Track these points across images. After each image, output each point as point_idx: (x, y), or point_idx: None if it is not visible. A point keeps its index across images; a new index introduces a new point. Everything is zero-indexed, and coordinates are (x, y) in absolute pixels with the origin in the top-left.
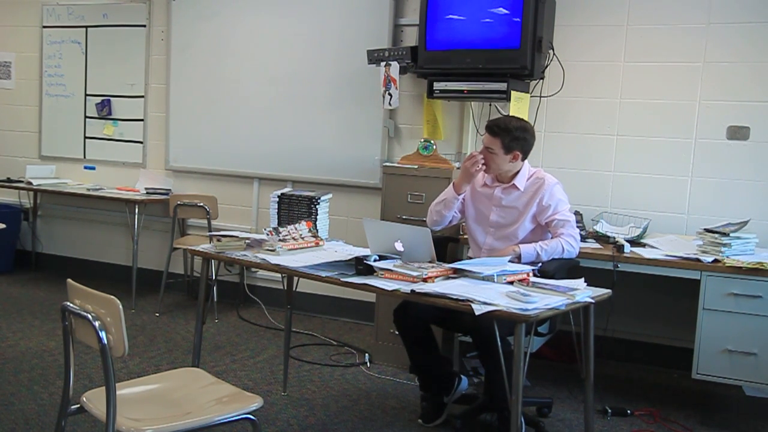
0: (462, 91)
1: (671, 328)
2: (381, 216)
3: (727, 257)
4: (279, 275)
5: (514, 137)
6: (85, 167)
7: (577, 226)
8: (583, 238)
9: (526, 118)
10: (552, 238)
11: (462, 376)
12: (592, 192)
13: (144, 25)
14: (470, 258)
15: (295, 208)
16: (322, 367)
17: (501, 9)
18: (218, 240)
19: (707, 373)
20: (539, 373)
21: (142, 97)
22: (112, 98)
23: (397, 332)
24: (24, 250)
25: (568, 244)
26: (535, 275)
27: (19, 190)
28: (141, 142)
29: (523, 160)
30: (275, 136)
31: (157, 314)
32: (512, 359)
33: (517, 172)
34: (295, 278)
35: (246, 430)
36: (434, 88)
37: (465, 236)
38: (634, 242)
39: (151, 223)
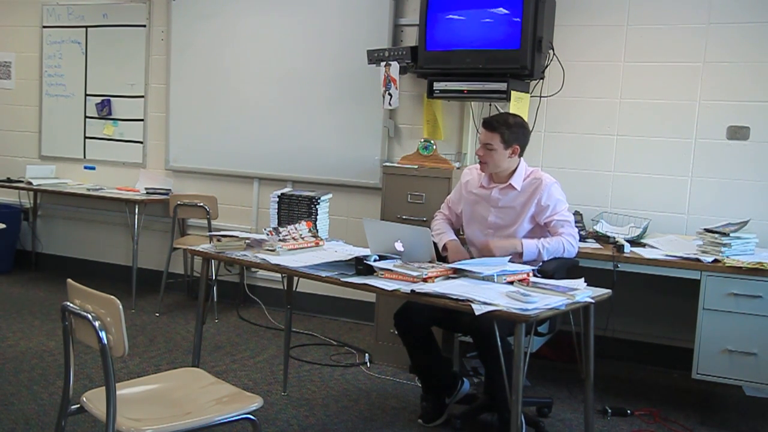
0: (462, 91)
1: (671, 328)
2: (381, 216)
3: (727, 257)
4: (279, 275)
5: (513, 132)
6: (85, 167)
7: (577, 226)
8: (583, 238)
9: (526, 118)
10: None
11: (464, 379)
12: (592, 192)
13: (144, 25)
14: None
15: (295, 208)
16: (322, 367)
17: (501, 9)
18: (218, 240)
19: (707, 373)
20: (539, 373)
21: (142, 97)
22: (112, 98)
23: (397, 333)
24: (24, 250)
25: (569, 243)
26: (535, 275)
27: (19, 190)
28: (141, 142)
29: (520, 156)
30: (275, 136)
31: (157, 314)
32: (512, 359)
33: (514, 171)
34: (295, 278)
35: (246, 430)
36: (434, 88)
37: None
38: (634, 242)
39: (151, 223)
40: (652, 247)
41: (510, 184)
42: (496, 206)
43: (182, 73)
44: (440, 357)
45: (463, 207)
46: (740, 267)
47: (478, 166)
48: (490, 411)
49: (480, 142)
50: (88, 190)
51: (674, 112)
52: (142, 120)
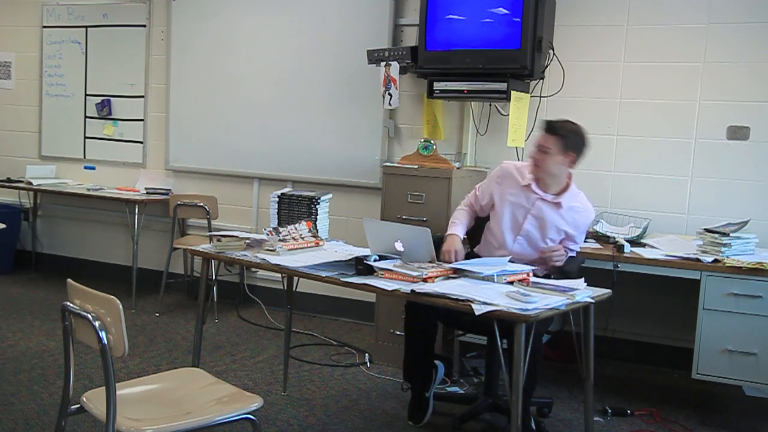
0: (462, 91)
1: (671, 328)
2: (381, 216)
3: (727, 257)
4: (279, 275)
5: (572, 138)
6: (85, 167)
7: None
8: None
9: (525, 118)
10: None
11: (438, 363)
12: (592, 192)
13: (144, 25)
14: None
15: (295, 208)
16: (322, 367)
17: (501, 9)
18: (218, 240)
19: (707, 373)
20: (539, 373)
21: (142, 97)
22: (112, 98)
23: (404, 316)
24: (24, 250)
25: None
26: (553, 276)
27: (19, 190)
28: (141, 142)
29: (573, 166)
30: (275, 136)
31: (157, 314)
32: (536, 359)
33: (566, 187)
34: (295, 278)
35: (246, 430)
36: (434, 88)
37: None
38: (634, 242)
39: (151, 223)
40: (652, 247)
41: (559, 202)
42: (537, 216)
43: (182, 73)
44: (432, 354)
45: (499, 206)
46: (740, 267)
47: (518, 163)
48: (490, 411)
49: (535, 144)
50: (88, 190)
51: (674, 112)
52: (142, 120)
